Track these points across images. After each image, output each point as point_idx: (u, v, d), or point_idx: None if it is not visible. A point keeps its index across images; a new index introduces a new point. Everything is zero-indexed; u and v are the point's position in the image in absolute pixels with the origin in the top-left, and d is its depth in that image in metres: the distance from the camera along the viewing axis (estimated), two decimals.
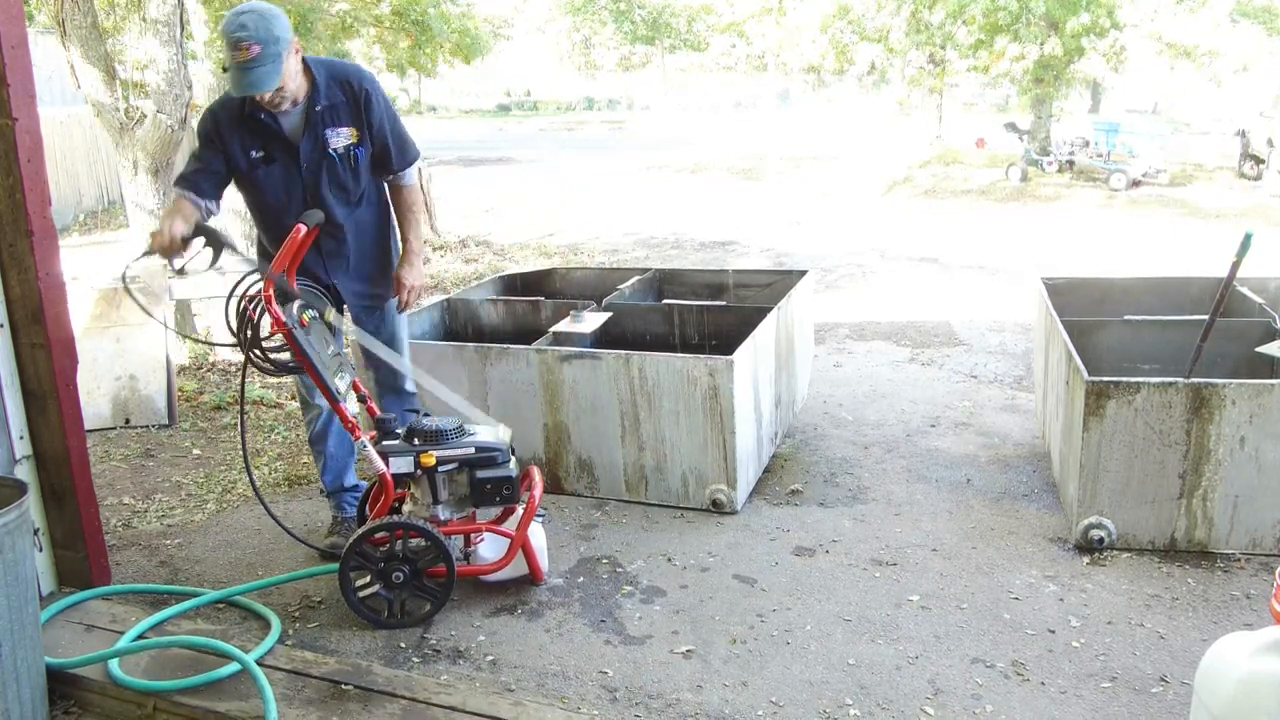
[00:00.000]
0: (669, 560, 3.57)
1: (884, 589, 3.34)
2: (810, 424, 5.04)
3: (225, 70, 3.06)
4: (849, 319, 7.26)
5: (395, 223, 3.62)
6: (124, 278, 3.47)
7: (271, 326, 3.09)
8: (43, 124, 3.02)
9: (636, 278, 5.21)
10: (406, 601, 3.15)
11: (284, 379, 5.05)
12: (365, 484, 3.76)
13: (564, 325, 4.42)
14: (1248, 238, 3.61)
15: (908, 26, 16.51)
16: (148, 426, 5.20)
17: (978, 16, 15.20)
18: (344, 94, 3.29)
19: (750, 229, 11.90)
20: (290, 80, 3.12)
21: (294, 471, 4.54)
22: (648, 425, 3.93)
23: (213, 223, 3.30)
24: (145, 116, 6.25)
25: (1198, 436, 3.37)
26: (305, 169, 3.28)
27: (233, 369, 6.14)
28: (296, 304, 3.10)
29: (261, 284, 3.07)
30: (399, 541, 3.10)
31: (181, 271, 3.28)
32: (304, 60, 3.23)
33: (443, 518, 3.22)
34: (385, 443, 3.17)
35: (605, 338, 4.58)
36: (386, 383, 3.70)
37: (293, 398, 5.43)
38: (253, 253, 3.71)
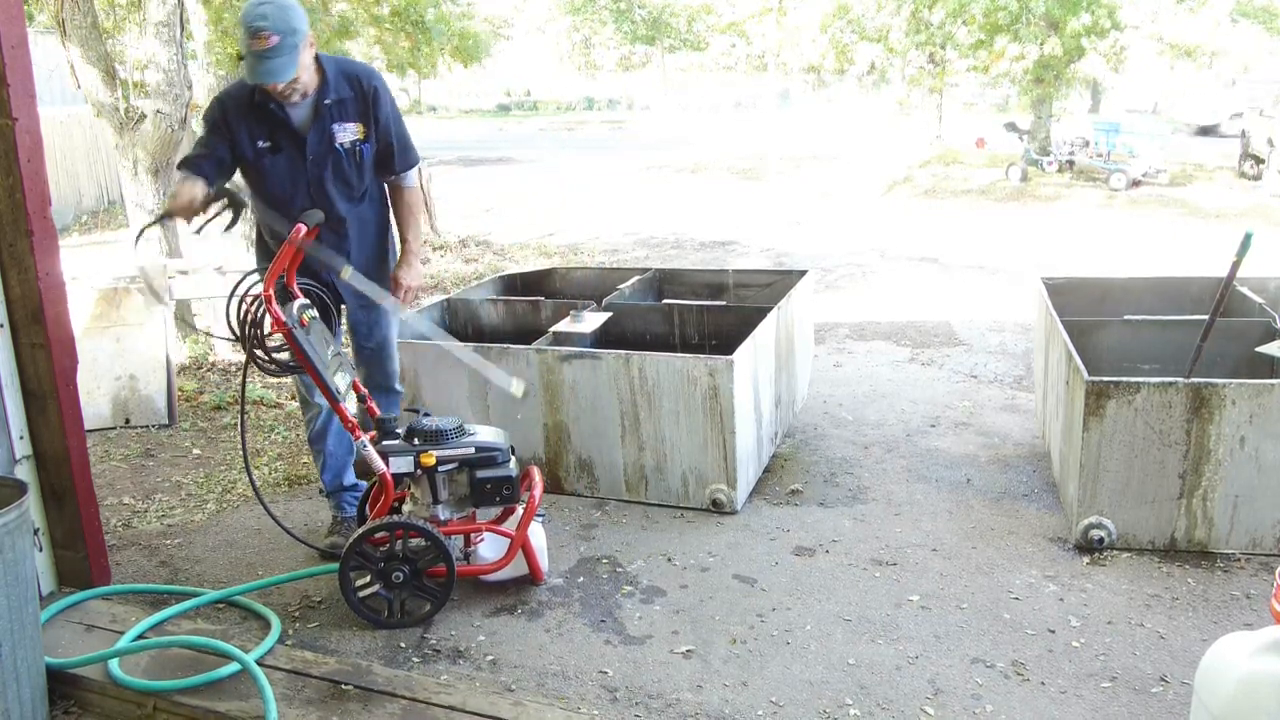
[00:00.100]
0: (669, 560, 3.57)
1: (884, 589, 3.34)
2: (810, 424, 5.04)
3: (240, 58, 3.12)
4: (849, 319, 7.26)
5: (393, 224, 3.64)
6: (137, 240, 3.52)
7: (271, 326, 3.09)
8: (43, 124, 3.02)
9: (636, 278, 5.21)
10: (406, 601, 3.15)
11: (284, 379, 5.05)
12: (365, 483, 3.76)
13: (564, 325, 4.42)
14: (1248, 237, 3.61)
15: (908, 26, 16.50)
16: (148, 426, 5.20)
17: (978, 16, 15.20)
18: (353, 90, 3.33)
19: (750, 229, 11.90)
20: (304, 72, 3.17)
21: (294, 471, 4.54)
22: (648, 425, 3.93)
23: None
24: (145, 116, 6.25)
25: (1198, 436, 3.37)
26: (311, 161, 3.31)
27: (233, 369, 6.14)
28: (297, 304, 3.10)
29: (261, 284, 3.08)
30: (399, 541, 3.10)
31: (199, 232, 3.28)
32: (316, 55, 3.27)
33: (443, 518, 3.22)
34: (385, 442, 3.17)
35: (605, 338, 4.58)
36: (375, 381, 3.71)
37: (292, 398, 5.43)
38: (252, 255, 3.71)
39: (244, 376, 3.50)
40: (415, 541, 3.11)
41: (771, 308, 4.39)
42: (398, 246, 3.66)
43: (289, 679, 2.72)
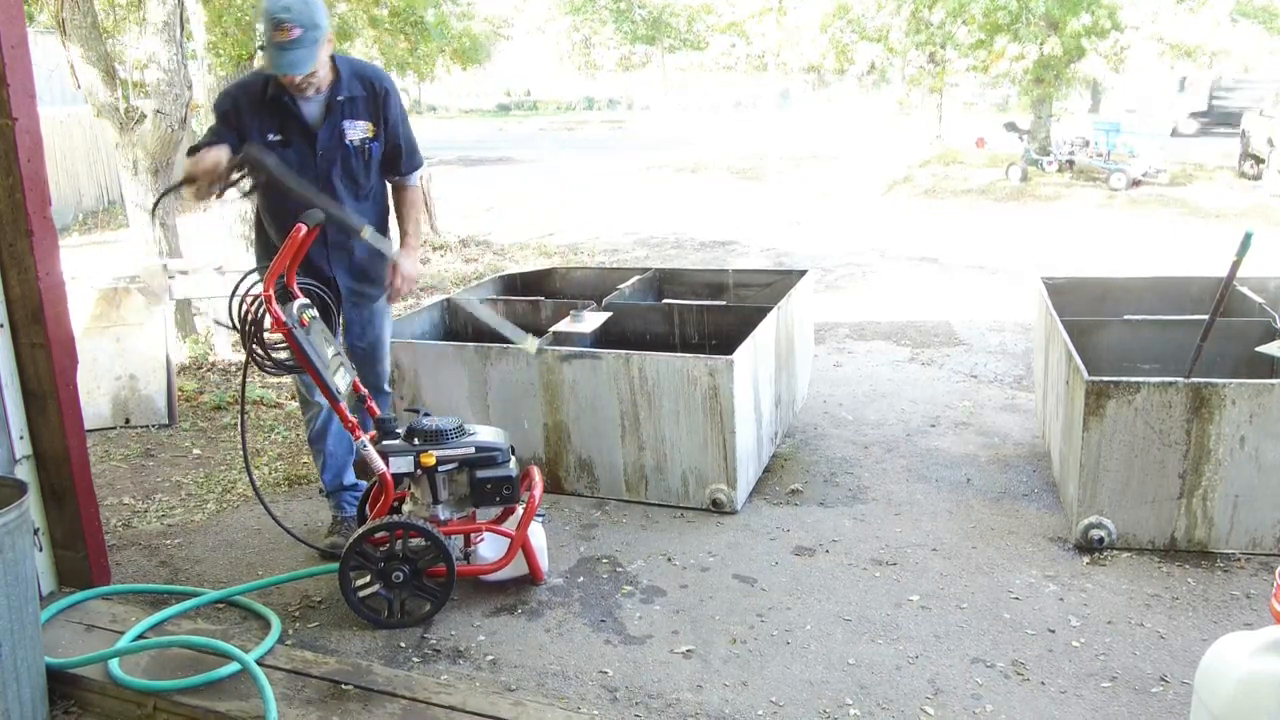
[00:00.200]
0: (669, 560, 3.57)
1: (884, 589, 3.34)
2: (810, 424, 5.04)
3: (261, 48, 3.16)
4: (849, 319, 7.26)
5: (392, 225, 3.68)
6: (154, 209, 3.52)
7: (271, 326, 3.09)
8: (43, 124, 3.02)
9: (636, 277, 5.21)
10: (406, 601, 3.15)
11: (284, 378, 5.05)
12: (365, 483, 3.76)
13: (564, 325, 4.42)
14: (1248, 237, 3.61)
15: (908, 26, 16.50)
16: (148, 426, 5.20)
17: (977, 16, 15.20)
18: (365, 90, 3.39)
19: (750, 229, 11.90)
20: (321, 68, 3.22)
21: (294, 471, 4.54)
22: (648, 425, 3.93)
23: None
24: (145, 116, 6.25)
25: (1198, 436, 3.37)
26: (321, 155, 3.34)
27: (233, 369, 6.14)
28: (297, 304, 3.10)
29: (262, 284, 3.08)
30: (399, 541, 3.10)
31: (221, 196, 3.28)
32: (331, 54, 3.32)
33: (443, 517, 3.22)
34: (385, 442, 3.17)
35: (605, 337, 4.58)
36: (365, 381, 3.72)
37: (292, 398, 5.43)
38: (252, 255, 3.71)
39: (244, 376, 3.50)
40: (415, 541, 3.11)
41: (771, 308, 4.39)
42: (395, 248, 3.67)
43: (289, 679, 2.72)
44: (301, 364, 3.12)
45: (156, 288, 5.45)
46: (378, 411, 3.40)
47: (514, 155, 22.19)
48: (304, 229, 3.02)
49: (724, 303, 5.03)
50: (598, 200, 14.73)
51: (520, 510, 3.28)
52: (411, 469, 3.14)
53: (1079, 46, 14.64)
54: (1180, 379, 3.39)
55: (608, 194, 15.43)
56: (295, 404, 5.26)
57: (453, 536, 3.22)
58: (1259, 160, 14.33)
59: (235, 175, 3.19)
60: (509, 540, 3.26)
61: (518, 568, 3.31)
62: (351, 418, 3.17)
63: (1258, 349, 3.82)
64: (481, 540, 3.29)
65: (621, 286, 5.02)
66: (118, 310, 5.34)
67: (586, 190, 15.88)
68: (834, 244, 10.65)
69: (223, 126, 3.31)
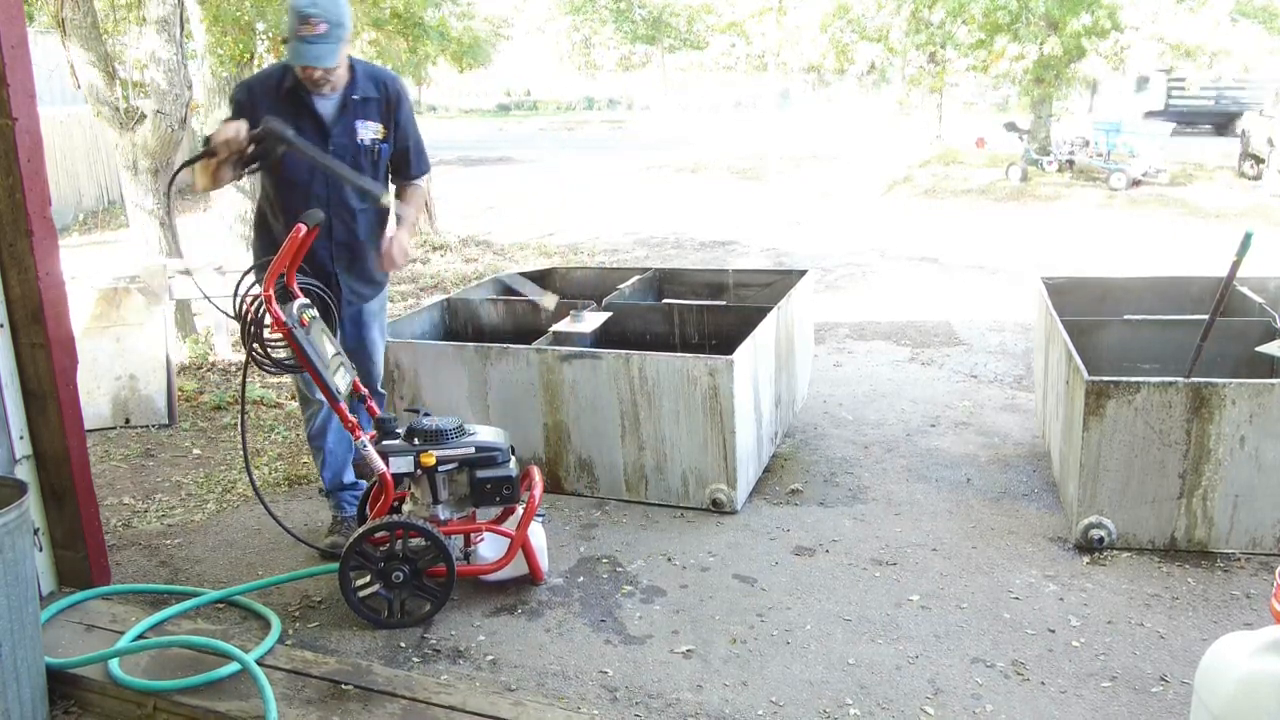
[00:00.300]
0: (669, 560, 3.57)
1: (884, 589, 3.34)
2: (810, 424, 5.04)
3: (284, 41, 3.23)
4: (849, 319, 7.26)
5: (391, 225, 3.72)
6: (171, 185, 3.57)
7: (271, 326, 3.09)
8: (43, 124, 3.02)
9: (636, 277, 5.21)
10: (406, 601, 3.15)
11: (283, 378, 5.05)
12: (364, 482, 3.76)
13: (564, 325, 4.42)
14: (1248, 237, 3.61)
15: (908, 26, 16.49)
16: (148, 426, 5.20)
17: (977, 16, 15.20)
18: (377, 91, 3.45)
19: (750, 229, 11.90)
20: (341, 65, 3.29)
21: (294, 471, 4.54)
22: (648, 425, 3.93)
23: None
24: (145, 116, 6.25)
25: (1198, 436, 3.37)
26: (333, 151, 3.38)
27: (233, 369, 6.14)
28: (297, 303, 3.10)
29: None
30: (399, 541, 3.10)
31: (238, 177, 3.32)
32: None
33: (443, 517, 3.22)
34: (385, 442, 3.17)
35: (605, 337, 4.58)
36: (361, 382, 3.73)
37: (292, 398, 5.43)
38: (251, 255, 3.71)
39: (244, 376, 3.50)
40: (415, 541, 3.11)
41: (771, 308, 4.39)
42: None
43: (289, 679, 2.72)
44: (301, 364, 3.12)
45: (156, 288, 5.45)
46: (378, 411, 3.40)
47: (514, 155, 22.19)
48: (304, 229, 3.02)
49: (724, 303, 5.03)
50: (598, 200, 14.73)
51: (520, 510, 3.28)
52: (411, 469, 3.14)
53: (1079, 46, 14.64)
54: (1180, 379, 3.39)
55: (608, 194, 15.43)
56: (295, 404, 5.26)
57: (453, 536, 3.22)
58: (1259, 160, 14.32)
59: (253, 149, 3.22)
60: (509, 540, 3.26)
61: (518, 568, 3.31)
62: (351, 418, 3.17)
63: (1258, 349, 3.82)
64: (481, 540, 3.29)
65: (621, 286, 5.02)
66: (118, 310, 5.34)
67: (586, 190, 15.88)
68: (834, 244, 10.65)
69: (238, 115, 3.35)
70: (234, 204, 7.86)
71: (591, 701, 2.75)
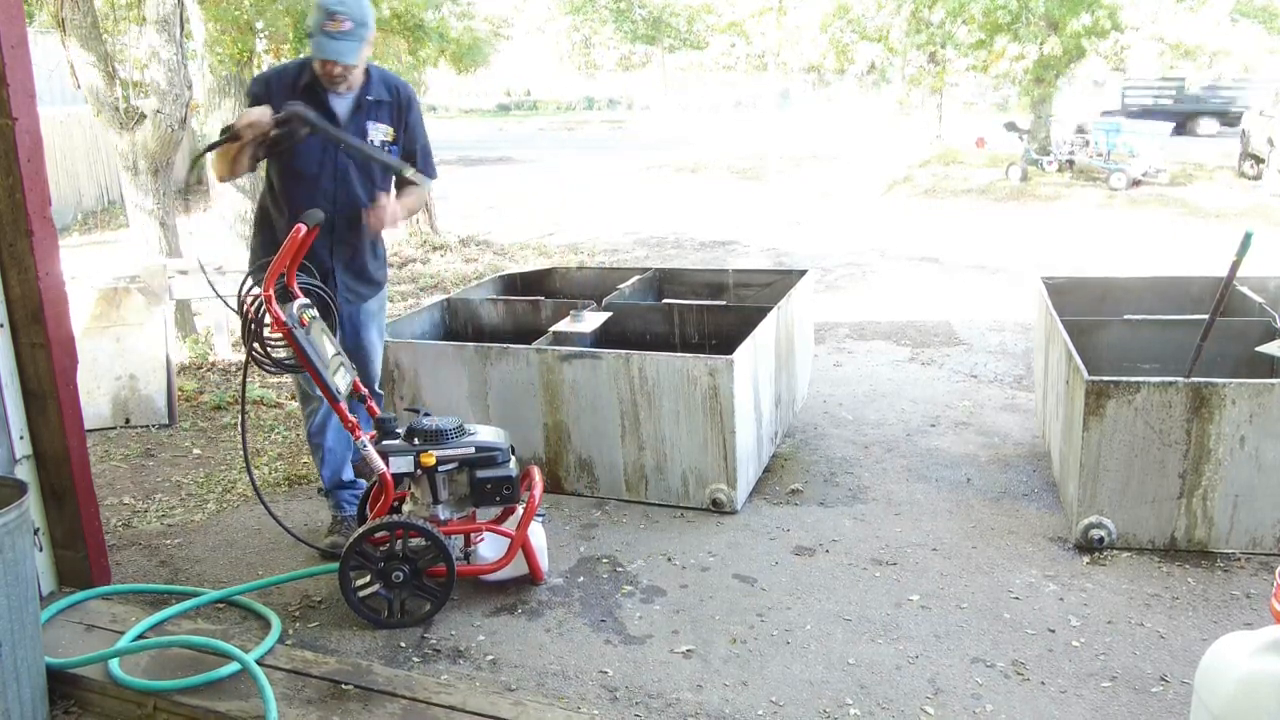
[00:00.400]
0: (669, 560, 3.57)
1: (884, 588, 3.34)
2: (810, 423, 5.04)
3: (309, 35, 3.28)
4: (849, 319, 7.26)
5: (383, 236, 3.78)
6: (195, 163, 3.59)
7: (272, 326, 3.09)
8: (43, 124, 3.02)
9: (636, 277, 5.21)
10: (406, 601, 3.15)
11: (284, 378, 5.05)
12: (364, 481, 3.76)
13: (564, 325, 4.42)
14: (1248, 237, 3.62)
15: (908, 26, 16.49)
16: (148, 426, 5.20)
17: (977, 16, 15.20)
18: (390, 95, 3.52)
19: (750, 229, 11.90)
20: (360, 66, 3.35)
21: (294, 471, 4.54)
22: (648, 425, 3.93)
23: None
24: (145, 116, 6.25)
25: (1198, 436, 3.37)
26: (341, 146, 3.41)
27: (233, 369, 6.14)
28: (297, 303, 3.10)
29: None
30: (399, 541, 3.10)
31: (269, 150, 3.34)
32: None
33: (443, 517, 3.22)
34: (385, 442, 3.17)
35: (605, 337, 4.58)
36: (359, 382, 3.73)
37: (292, 398, 5.43)
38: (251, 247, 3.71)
39: (244, 376, 3.50)
40: (415, 541, 3.11)
41: (771, 307, 4.39)
42: (385, 255, 3.82)
43: (289, 679, 2.72)
44: (302, 364, 3.12)
45: (156, 288, 5.45)
46: (378, 411, 3.40)
47: (514, 155, 22.20)
48: (304, 229, 3.02)
49: (724, 303, 5.03)
50: (598, 200, 14.73)
51: (520, 510, 3.28)
52: (411, 469, 3.14)
53: (1079, 46, 14.64)
54: (1180, 379, 3.39)
55: (608, 194, 15.43)
56: (295, 404, 5.26)
57: (453, 536, 3.22)
58: (1259, 160, 14.32)
59: (276, 132, 3.24)
60: (509, 540, 3.26)
61: (518, 568, 3.31)
62: (351, 417, 3.17)
63: (1258, 349, 3.82)
64: (481, 540, 3.29)
65: (621, 286, 5.02)
66: (118, 310, 5.34)
67: (586, 190, 15.89)
68: (834, 244, 10.65)
69: (254, 107, 3.37)
70: (234, 204, 7.87)
71: (591, 701, 2.75)
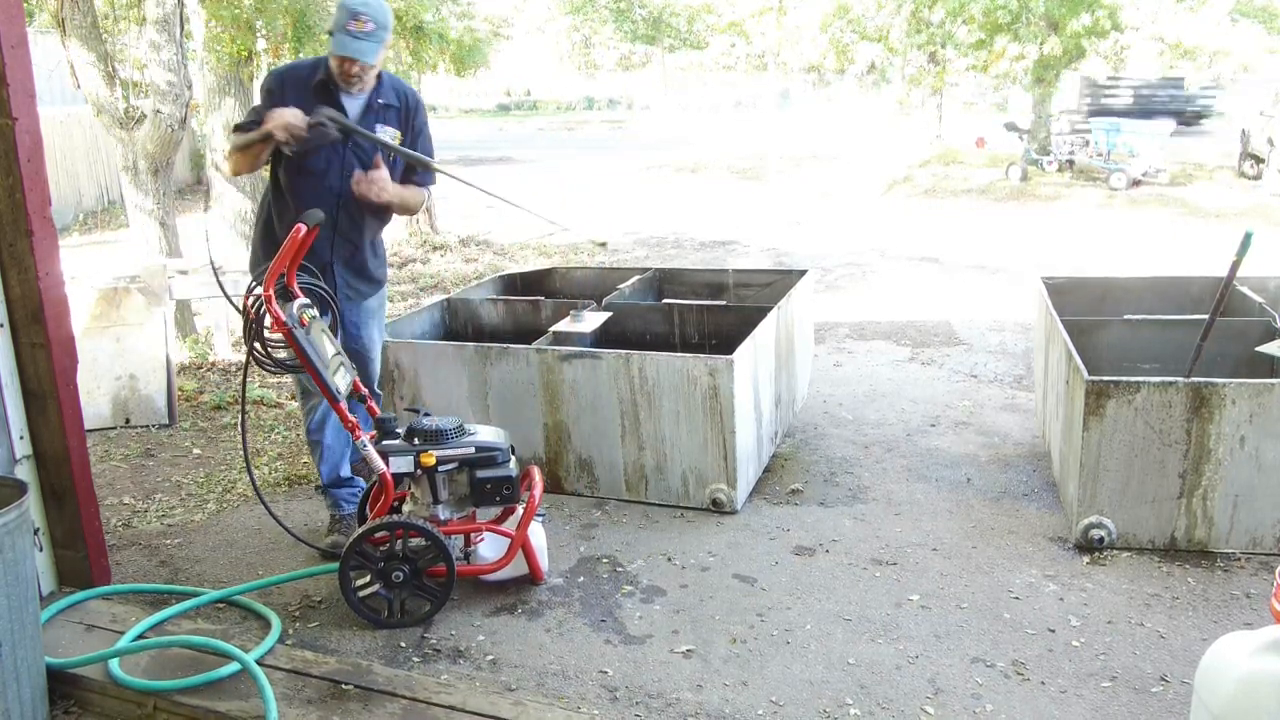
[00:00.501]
0: (669, 560, 3.57)
1: (884, 588, 3.34)
2: (810, 423, 5.04)
3: (330, 33, 3.36)
4: (849, 319, 7.26)
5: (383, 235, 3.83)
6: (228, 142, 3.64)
7: (272, 326, 3.09)
8: (43, 124, 3.02)
9: (636, 277, 5.21)
10: (406, 601, 3.15)
11: (284, 378, 5.05)
12: (362, 480, 3.76)
13: (564, 325, 4.42)
14: (1248, 237, 3.62)
15: (908, 26, 16.49)
16: (148, 426, 5.20)
17: (977, 16, 15.20)
18: (398, 100, 3.59)
19: (750, 228, 11.90)
20: (376, 68, 3.42)
21: (294, 471, 4.54)
22: (648, 425, 3.93)
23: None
24: (145, 116, 6.25)
25: (1198, 436, 3.37)
26: (352, 148, 3.47)
27: (233, 369, 6.14)
28: (297, 303, 3.10)
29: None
30: (399, 541, 3.10)
31: (297, 150, 3.36)
32: None
33: (443, 517, 3.22)
34: (385, 442, 3.17)
35: (605, 337, 4.58)
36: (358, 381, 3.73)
37: (292, 398, 5.43)
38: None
39: (244, 376, 3.50)
40: (415, 541, 3.11)
41: (771, 307, 4.39)
42: (385, 256, 3.85)
43: (289, 679, 2.72)
44: (302, 364, 3.12)
45: (156, 288, 5.45)
46: (378, 411, 3.41)
47: (514, 155, 22.20)
48: (304, 229, 3.02)
49: (724, 303, 5.03)
50: (597, 200, 14.73)
51: (520, 510, 3.28)
52: (411, 469, 3.14)
53: (1079, 46, 14.65)
54: (1180, 379, 3.39)
55: (608, 194, 15.43)
56: (295, 404, 5.26)
57: (453, 536, 3.22)
58: (1259, 160, 14.32)
59: (307, 135, 3.28)
60: (509, 540, 3.26)
61: (518, 568, 3.31)
62: (351, 417, 3.17)
63: (1258, 349, 3.82)
64: (481, 540, 3.29)
65: (621, 286, 5.02)
66: (118, 310, 5.34)
67: (586, 190, 15.88)
68: (834, 244, 10.65)
69: (267, 103, 3.41)
70: (234, 204, 7.86)
71: (591, 701, 2.75)
